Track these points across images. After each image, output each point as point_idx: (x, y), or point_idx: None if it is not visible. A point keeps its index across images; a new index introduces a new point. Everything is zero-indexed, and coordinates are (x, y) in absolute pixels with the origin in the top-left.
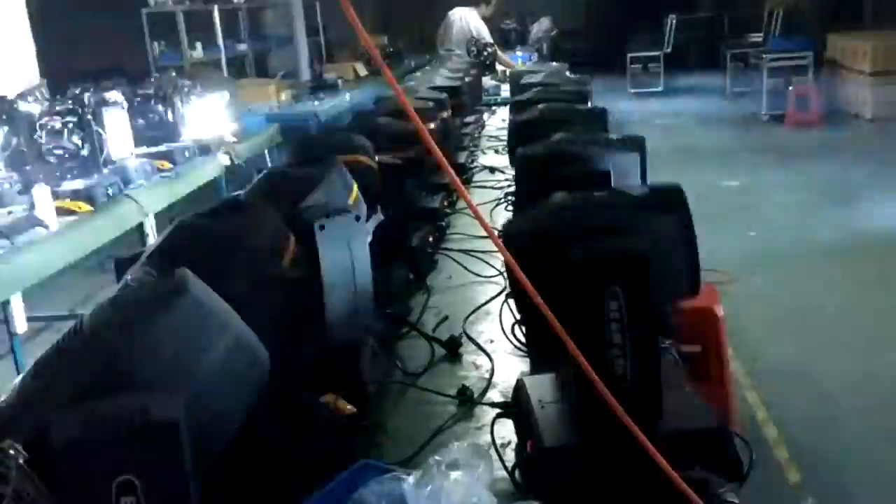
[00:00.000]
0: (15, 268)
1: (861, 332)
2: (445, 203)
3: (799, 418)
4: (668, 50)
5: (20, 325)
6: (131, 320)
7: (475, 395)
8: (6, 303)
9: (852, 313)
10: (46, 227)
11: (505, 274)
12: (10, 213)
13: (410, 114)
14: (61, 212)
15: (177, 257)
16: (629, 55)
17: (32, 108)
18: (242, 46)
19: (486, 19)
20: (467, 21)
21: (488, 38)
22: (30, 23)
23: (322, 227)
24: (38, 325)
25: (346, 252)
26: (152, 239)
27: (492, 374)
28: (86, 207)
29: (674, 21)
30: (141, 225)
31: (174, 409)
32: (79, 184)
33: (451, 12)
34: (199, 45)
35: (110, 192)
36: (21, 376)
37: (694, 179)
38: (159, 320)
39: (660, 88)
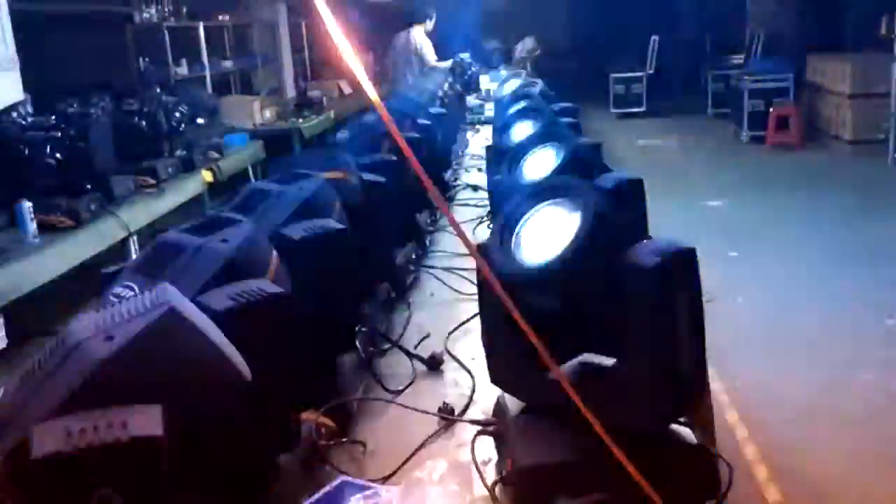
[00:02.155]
0: None
1: (840, 352)
2: (428, 220)
3: (779, 438)
4: (651, 71)
5: (0, 340)
6: (112, 335)
7: (456, 413)
8: None
9: (832, 333)
10: (29, 242)
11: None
12: None
13: (393, 132)
14: (44, 227)
15: (158, 272)
16: (612, 75)
17: (17, 123)
18: (227, 63)
19: (429, 34)
20: (412, 40)
21: (432, 55)
22: (14, 38)
23: (303, 243)
24: (18, 339)
25: (328, 268)
26: (135, 254)
27: (473, 392)
28: (68, 223)
29: (657, 42)
30: (124, 240)
31: (154, 424)
32: (62, 199)
33: (396, 36)
34: (184, 61)
35: (93, 207)
36: (1, 391)
37: (676, 199)
38: (140, 335)
39: (642, 109)
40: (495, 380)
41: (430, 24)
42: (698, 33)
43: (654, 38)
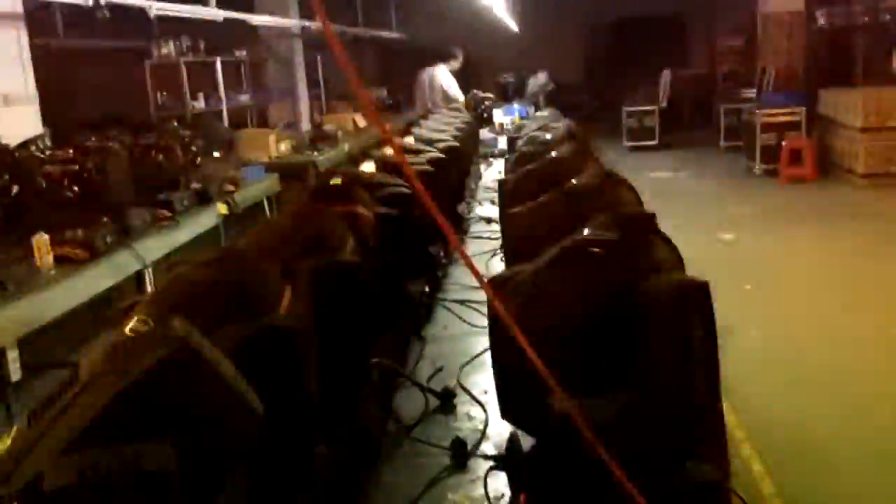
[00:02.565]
0: (11, 315)
1: (857, 387)
2: (442, 253)
3: (796, 473)
4: (664, 104)
5: (14, 372)
6: (127, 370)
7: (469, 447)
8: (1, 350)
9: (848, 367)
10: (45, 274)
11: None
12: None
13: (405, 165)
14: (60, 259)
15: (174, 307)
16: (625, 109)
17: (34, 156)
18: (244, 98)
19: (454, 73)
20: (436, 78)
21: (458, 92)
22: (34, 72)
23: (317, 277)
24: (33, 372)
25: (342, 302)
26: (150, 286)
27: (486, 426)
28: (84, 255)
29: (668, 77)
30: (139, 272)
31: (168, 459)
32: (78, 232)
33: (421, 72)
34: (201, 95)
35: (109, 239)
36: (16, 425)
37: (689, 232)
38: (155, 370)
39: (655, 142)
40: (507, 415)
41: (455, 64)
42: (709, 68)
43: (666, 72)
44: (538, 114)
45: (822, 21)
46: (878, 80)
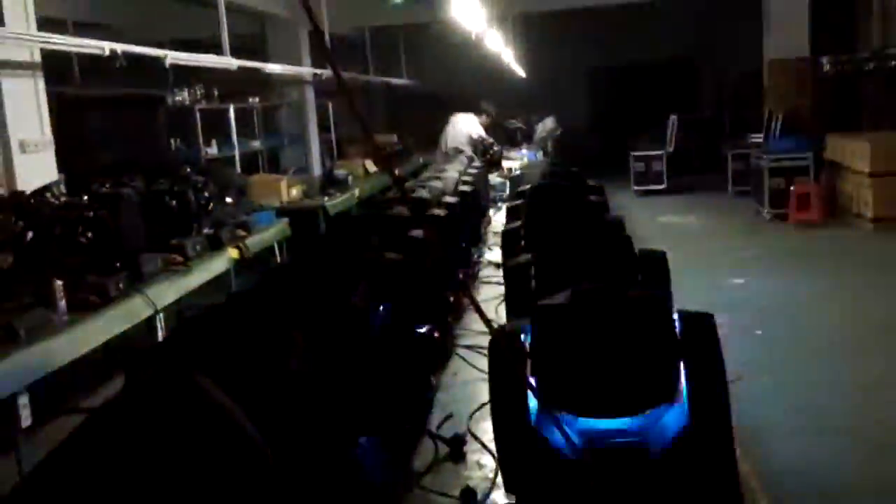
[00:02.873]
0: (22, 361)
1: (872, 433)
2: (452, 299)
3: None
4: (671, 149)
5: (24, 419)
6: (139, 418)
7: (479, 497)
8: (13, 396)
9: (863, 414)
10: (58, 320)
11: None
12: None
13: (417, 214)
14: (73, 305)
15: (185, 355)
16: (632, 154)
17: (49, 203)
18: (256, 143)
19: (484, 127)
20: (469, 126)
21: (489, 140)
22: (50, 118)
23: (329, 324)
24: (43, 417)
25: (354, 348)
26: (161, 331)
27: (496, 475)
28: (97, 301)
29: (675, 121)
30: (151, 318)
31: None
32: (91, 277)
33: (453, 117)
34: (214, 141)
35: (122, 285)
36: (28, 472)
37: (699, 276)
38: (166, 419)
39: (663, 187)
40: (513, 487)
41: (486, 119)
42: (716, 112)
43: (673, 117)
44: (538, 158)
45: (827, 67)
46: (885, 125)
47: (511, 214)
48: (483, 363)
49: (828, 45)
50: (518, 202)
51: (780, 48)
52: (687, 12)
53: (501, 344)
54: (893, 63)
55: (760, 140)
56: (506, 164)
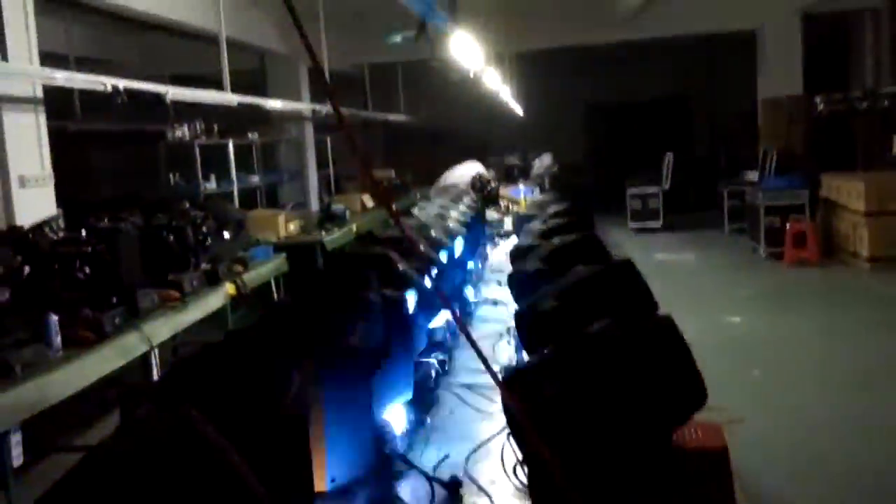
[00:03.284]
0: (16, 397)
1: (869, 478)
2: (449, 336)
3: None
4: (667, 187)
5: (16, 458)
6: (134, 458)
7: None
8: (5, 433)
9: (861, 455)
10: (53, 356)
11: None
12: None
13: (415, 248)
14: (69, 340)
15: (181, 393)
16: (629, 191)
17: (48, 237)
18: (255, 179)
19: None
20: (472, 169)
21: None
22: (51, 153)
23: (325, 364)
24: (36, 454)
25: (349, 389)
26: (156, 367)
27: None
28: (93, 337)
29: (671, 159)
30: (146, 354)
31: None
32: (87, 313)
33: (461, 164)
34: (213, 176)
35: (118, 321)
36: None
37: (696, 315)
38: (162, 458)
39: (659, 224)
40: None
41: (490, 174)
42: (712, 151)
43: (669, 154)
44: (540, 196)
45: (821, 106)
46: (878, 163)
47: (519, 256)
48: (479, 402)
49: (821, 83)
50: (527, 243)
51: (774, 87)
52: (683, 51)
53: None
54: (886, 103)
55: (755, 178)
56: (503, 200)
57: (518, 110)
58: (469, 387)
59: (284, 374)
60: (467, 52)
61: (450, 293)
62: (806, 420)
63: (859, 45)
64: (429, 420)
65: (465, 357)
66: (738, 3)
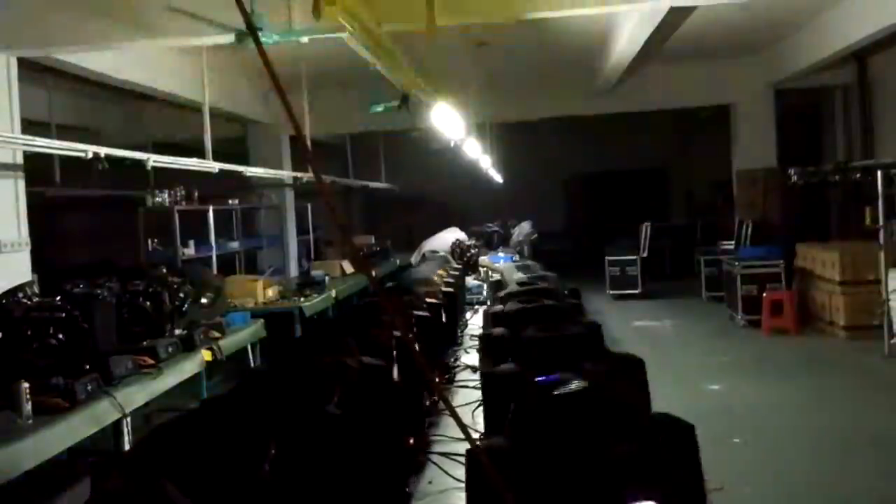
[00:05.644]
0: None
1: None
2: (427, 403)
3: None
4: (645, 254)
5: None
6: None
7: None
8: None
9: None
10: (22, 424)
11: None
12: None
13: (398, 319)
14: (39, 408)
15: (154, 464)
16: (607, 258)
17: (21, 303)
18: (234, 244)
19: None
20: (452, 236)
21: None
22: (28, 219)
23: (301, 433)
24: None
25: (325, 456)
26: (127, 435)
27: None
28: (64, 404)
29: (649, 228)
30: (118, 422)
31: None
32: (59, 380)
33: (448, 231)
34: (192, 242)
35: (90, 388)
36: None
37: (675, 382)
38: None
39: (638, 291)
40: None
41: (472, 243)
42: (688, 220)
43: (647, 224)
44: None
45: (795, 178)
46: (852, 233)
47: (492, 320)
48: (459, 471)
49: (795, 155)
50: (498, 307)
51: (749, 159)
52: (660, 123)
53: (481, 458)
54: (857, 175)
55: (731, 247)
56: (482, 267)
57: (498, 178)
58: (448, 455)
59: (261, 444)
60: (448, 122)
61: (434, 357)
62: (786, 487)
63: (831, 119)
64: (407, 489)
65: (445, 424)
66: (713, 78)
